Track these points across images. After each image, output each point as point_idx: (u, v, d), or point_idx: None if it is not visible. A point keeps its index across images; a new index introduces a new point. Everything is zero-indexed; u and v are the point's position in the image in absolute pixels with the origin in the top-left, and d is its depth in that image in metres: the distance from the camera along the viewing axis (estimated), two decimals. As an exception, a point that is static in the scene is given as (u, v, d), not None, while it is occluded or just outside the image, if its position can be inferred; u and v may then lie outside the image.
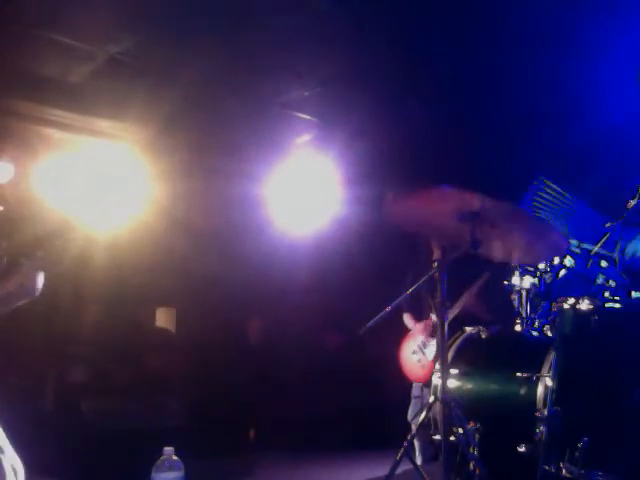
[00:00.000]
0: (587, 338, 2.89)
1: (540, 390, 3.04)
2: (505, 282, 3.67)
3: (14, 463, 2.70)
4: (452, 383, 3.43)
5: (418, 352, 5.06)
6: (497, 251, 3.21)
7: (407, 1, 4.09)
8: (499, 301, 4.03)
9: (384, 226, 3.31)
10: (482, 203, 2.99)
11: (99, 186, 5.04)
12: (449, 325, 3.27)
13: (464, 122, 5.10)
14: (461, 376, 3.51)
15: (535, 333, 3.50)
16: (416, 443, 4.91)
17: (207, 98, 5.00)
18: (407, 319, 5.22)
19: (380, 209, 3.18)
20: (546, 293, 3.52)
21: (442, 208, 3.07)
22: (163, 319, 6.67)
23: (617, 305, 3.05)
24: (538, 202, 4.28)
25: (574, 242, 3.48)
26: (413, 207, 3.18)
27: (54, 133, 5.00)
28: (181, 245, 5.70)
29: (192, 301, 6.34)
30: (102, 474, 4.84)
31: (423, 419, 3.23)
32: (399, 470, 3.10)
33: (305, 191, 5.96)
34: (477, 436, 3.20)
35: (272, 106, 5.26)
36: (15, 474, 2.58)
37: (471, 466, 3.05)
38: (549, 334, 3.37)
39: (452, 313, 4.69)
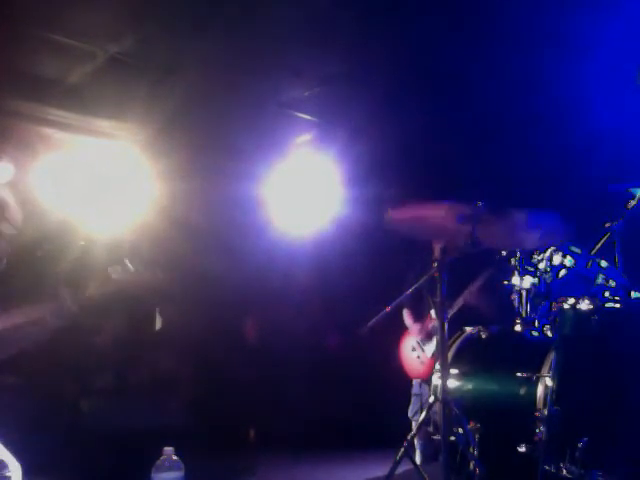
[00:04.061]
0: (587, 338, 2.89)
1: (540, 390, 3.05)
2: (505, 282, 3.68)
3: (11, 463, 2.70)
4: (452, 383, 3.43)
5: (417, 348, 5.06)
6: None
7: (407, 1, 4.09)
8: (499, 301, 4.03)
9: (384, 226, 3.32)
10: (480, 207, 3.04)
11: (99, 186, 5.05)
12: (449, 324, 3.28)
13: (463, 121, 5.10)
14: (461, 376, 3.51)
15: (535, 333, 3.50)
16: (416, 442, 4.92)
17: (207, 98, 5.00)
18: (406, 316, 5.21)
19: (380, 212, 3.21)
20: (546, 293, 3.52)
21: (442, 212, 3.11)
22: (163, 319, 6.67)
23: (617, 305, 3.05)
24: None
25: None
26: (413, 212, 3.22)
27: (54, 133, 4.99)
28: (181, 245, 5.69)
29: (192, 301, 6.33)
30: (102, 474, 4.84)
31: (423, 418, 3.24)
32: (399, 470, 3.11)
33: (305, 191, 5.95)
34: (477, 436, 3.20)
35: (272, 106, 5.25)
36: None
37: (471, 466, 3.05)
38: (549, 334, 3.38)
39: (451, 311, 4.70)
